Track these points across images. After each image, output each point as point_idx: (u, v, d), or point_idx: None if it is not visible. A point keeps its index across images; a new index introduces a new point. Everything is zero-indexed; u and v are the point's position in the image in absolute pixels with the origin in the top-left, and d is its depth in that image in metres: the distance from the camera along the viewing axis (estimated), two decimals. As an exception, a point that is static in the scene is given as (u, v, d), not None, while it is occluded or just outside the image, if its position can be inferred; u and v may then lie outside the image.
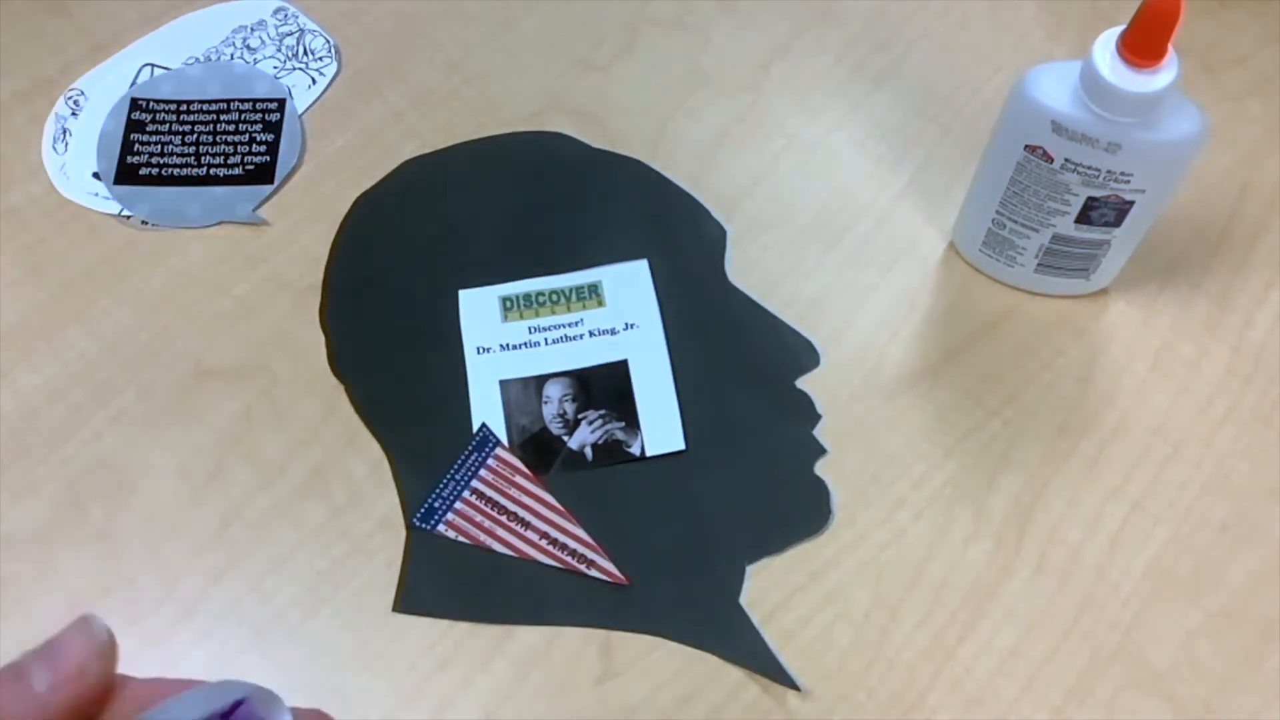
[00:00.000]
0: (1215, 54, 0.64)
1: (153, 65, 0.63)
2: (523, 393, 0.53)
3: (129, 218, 0.58)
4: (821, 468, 0.51)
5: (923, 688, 0.47)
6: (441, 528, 0.50)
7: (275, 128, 0.60)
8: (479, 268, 0.57)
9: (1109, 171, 0.48)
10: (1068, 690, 0.47)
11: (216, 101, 0.61)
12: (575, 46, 0.65)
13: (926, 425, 0.53)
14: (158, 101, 0.61)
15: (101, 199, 0.59)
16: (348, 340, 0.55)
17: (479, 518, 0.50)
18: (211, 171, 0.59)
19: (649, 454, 0.52)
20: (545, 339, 0.54)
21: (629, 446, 0.52)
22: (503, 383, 0.53)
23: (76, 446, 0.52)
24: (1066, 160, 0.48)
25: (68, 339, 0.55)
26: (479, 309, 0.55)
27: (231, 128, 0.60)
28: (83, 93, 0.62)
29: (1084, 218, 0.50)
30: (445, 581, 0.49)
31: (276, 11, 0.65)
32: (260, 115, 0.61)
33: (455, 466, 0.51)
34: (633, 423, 0.52)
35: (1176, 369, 0.54)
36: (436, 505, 0.50)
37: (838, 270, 0.57)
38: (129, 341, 0.55)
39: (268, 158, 0.59)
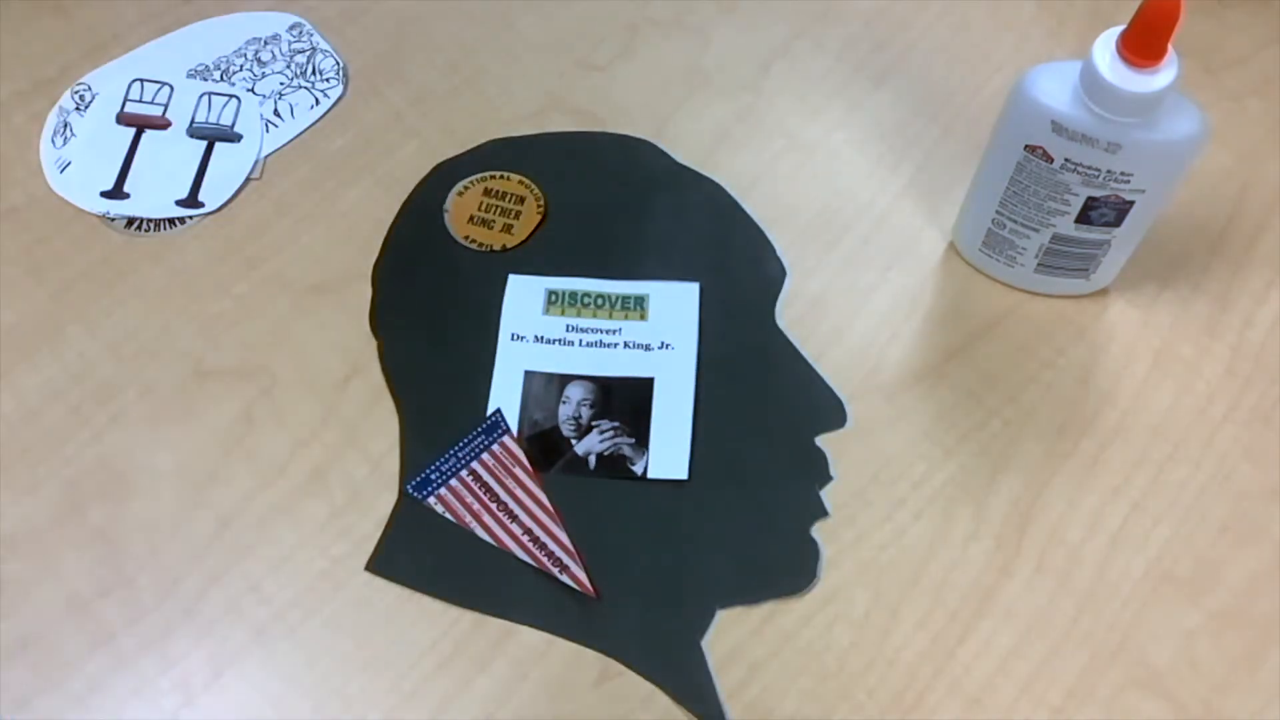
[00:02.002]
0: (1215, 54, 0.64)
1: (142, 80, 0.63)
2: (544, 387, 0.53)
3: (113, 220, 0.58)
4: (818, 530, 0.50)
5: (923, 688, 0.47)
6: (432, 500, 0.50)
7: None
8: (535, 255, 0.57)
9: (1109, 171, 0.48)
10: (1068, 690, 0.47)
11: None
12: (575, 46, 0.65)
13: (926, 425, 0.53)
14: None
15: (90, 198, 0.59)
16: (392, 298, 0.56)
17: (470, 499, 0.50)
18: None
19: (650, 476, 0.51)
20: (580, 340, 0.54)
21: (633, 464, 0.51)
22: (528, 373, 0.53)
23: (76, 446, 0.52)
24: (1066, 160, 0.48)
25: (68, 339, 0.55)
26: (523, 296, 0.56)
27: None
28: (89, 87, 0.62)
29: (1084, 218, 0.50)
30: (421, 554, 0.50)
31: (293, 27, 0.65)
32: None
33: (460, 444, 0.51)
34: (642, 441, 0.52)
35: (1176, 369, 0.54)
36: (433, 477, 0.51)
37: (838, 270, 0.57)
38: (129, 341, 0.55)
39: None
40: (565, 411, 0.52)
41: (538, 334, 0.55)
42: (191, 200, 0.59)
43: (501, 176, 0.59)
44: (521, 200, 0.59)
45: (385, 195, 0.59)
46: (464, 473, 0.51)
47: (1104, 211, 0.50)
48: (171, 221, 0.58)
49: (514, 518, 0.50)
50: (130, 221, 0.58)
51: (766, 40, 0.65)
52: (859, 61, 0.64)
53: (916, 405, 0.53)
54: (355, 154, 0.61)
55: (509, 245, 0.57)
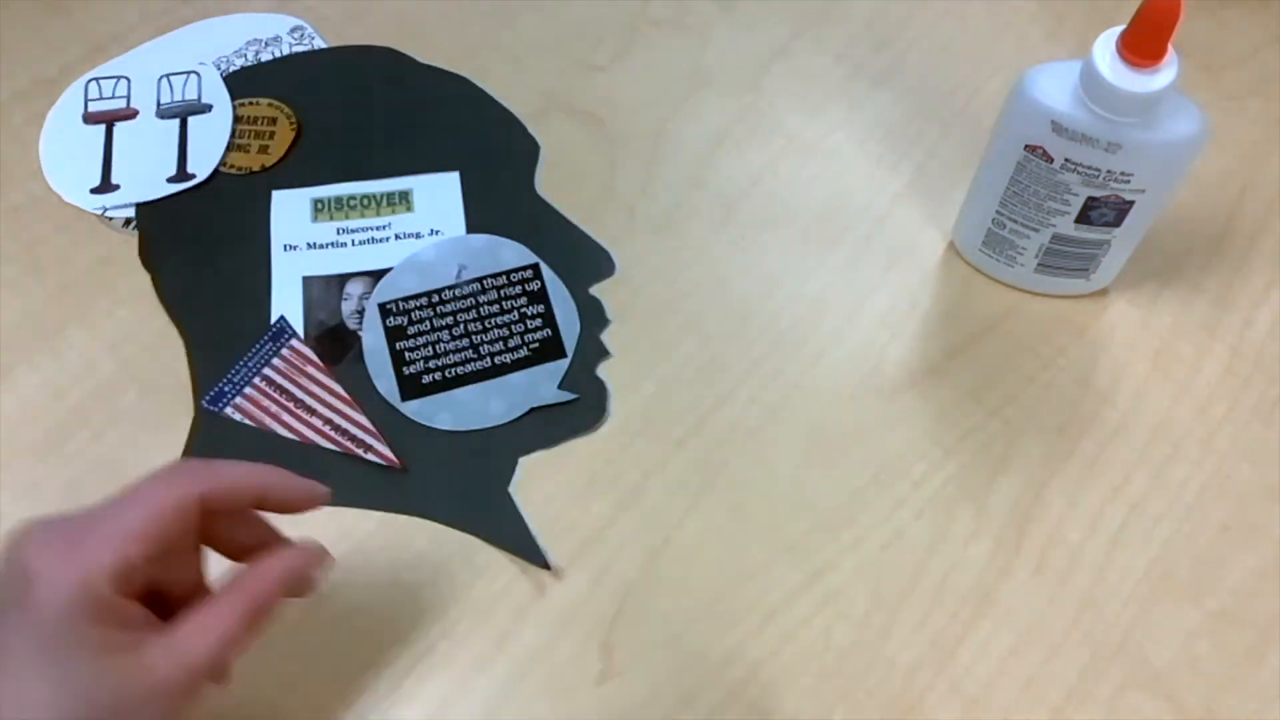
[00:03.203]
0: (1215, 54, 0.64)
1: (97, 80, 0.63)
2: (324, 290, 0.55)
3: (111, 219, 0.58)
4: (604, 370, 0.54)
5: (923, 688, 0.47)
6: (230, 410, 0.52)
7: (541, 297, 0.55)
8: (296, 171, 0.59)
9: (1109, 171, 0.48)
10: (1068, 690, 0.47)
11: (468, 283, 0.55)
12: (575, 46, 0.65)
13: (926, 425, 0.53)
14: (407, 300, 0.55)
15: (81, 196, 0.59)
16: (160, 231, 0.57)
17: (267, 403, 0.52)
18: (496, 360, 0.54)
19: None
20: (353, 240, 0.57)
21: None
22: (306, 279, 0.56)
23: (76, 446, 0.52)
24: (1066, 160, 0.48)
25: (68, 339, 0.55)
26: (290, 209, 0.58)
27: (496, 309, 0.55)
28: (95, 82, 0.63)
29: (1084, 218, 0.50)
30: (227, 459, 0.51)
31: (294, 30, 0.65)
32: (520, 287, 0.55)
33: (248, 354, 0.53)
34: None
35: (1176, 369, 0.54)
36: (226, 390, 0.53)
37: (838, 270, 0.57)
38: (129, 341, 0.55)
39: (548, 331, 0.54)
40: (348, 307, 0.55)
41: (310, 241, 0.57)
42: (181, 174, 0.59)
43: (250, 103, 0.61)
44: (274, 121, 0.61)
45: (385, 195, 0.59)
46: (257, 379, 0.53)
47: (1104, 211, 0.50)
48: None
49: (313, 412, 0.52)
50: (128, 221, 0.58)
51: (766, 40, 0.65)
52: (859, 61, 0.64)
53: (916, 405, 0.53)
54: (355, 154, 0.61)
55: (268, 165, 0.59)
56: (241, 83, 0.62)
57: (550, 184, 0.59)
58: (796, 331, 0.55)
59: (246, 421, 0.52)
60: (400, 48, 0.64)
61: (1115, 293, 0.56)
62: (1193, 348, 0.55)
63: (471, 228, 0.57)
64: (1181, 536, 0.50)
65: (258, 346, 0.54)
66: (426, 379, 0.53)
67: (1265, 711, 0.47)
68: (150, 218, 0.58)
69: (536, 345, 0.54)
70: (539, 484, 0.51)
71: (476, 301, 0.55)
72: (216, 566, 0.42)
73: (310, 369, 0.53)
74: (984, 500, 0.51)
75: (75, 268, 0.57)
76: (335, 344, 0.54)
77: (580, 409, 0.53)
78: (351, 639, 0.48)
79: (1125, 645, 0.48)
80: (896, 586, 0.49)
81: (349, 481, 0.50)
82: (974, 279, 0.57)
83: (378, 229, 0.57)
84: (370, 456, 0.51)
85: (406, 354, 0.54)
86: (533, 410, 0.53)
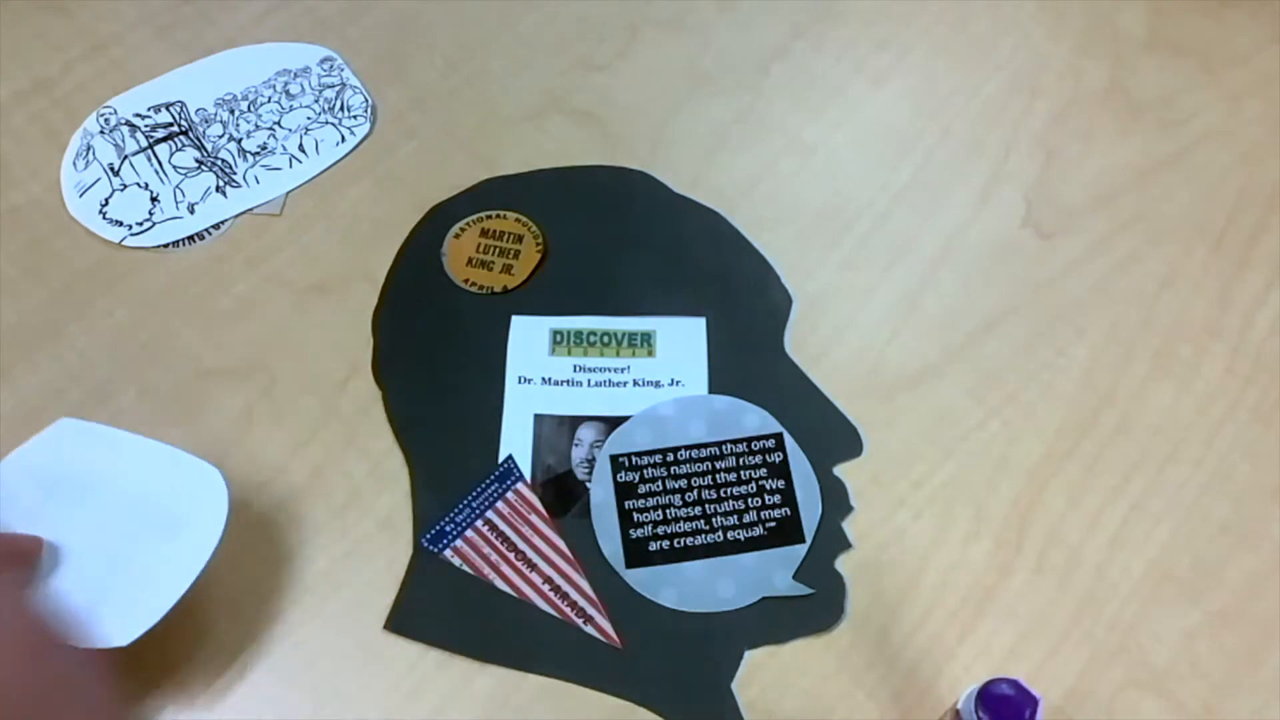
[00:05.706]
0: (1215, 54, 0.64)
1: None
2: (555, 431, 0.52)
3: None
4: (842, 563, 0.49)
5: (923, 687, 0.47)
6: (448, 553, 0.49)
7: (782, 471, 0.51)
8: (537, 294, 0.56)
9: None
10: (1068, 690, 0.47)
11: (706, 445, 0.52)
12: (575, 46, 0.65)
13: (926, 425, 0.53)
14: (640, 455, 0.51)
15: (108, 225, 0.58)
16: (394, 346, 0.55)
17: (487, 549, 0.49)
18: (729, 536, 0.50)
19: None
20: (588, 380, 0.53)
21: None
22: (537, 416, 0.52)
23: (76, 446, 0.52)
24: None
25: (68, 339, 0.55)
26: (528, 338, 0.54)
27: (733, 477, 0.51)
28: (115, 111, 0.61)
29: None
30: (440, 609, 0.48)
31: (323, 61, 0.64)
32: (760, 457, 0.51)
33: (473, 493, 0.50)
34: None
35: (1176, 369, 0.54)
36: (448, 529, 0.50)
37: (838, 270, 0.57)
38: (129, 341, 0.55)
39: (787, 510, 0.50)
40: (578, 454, 0.52)
41: (545, 375, 0.53)
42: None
43: (498, 216, 0.58)
44: (520, 239, 0.57)
45: (384, 194, 0.59)
46: (479, 523, 0.50)
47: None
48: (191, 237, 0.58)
49: (533, 567, 0.49)
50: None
51: (766, 40, 0.65)
52: (859, 61, 0.64)
53: (916, 405, 0.53)
54: (354, 154, 0.61)
55: (510, 286, 0.56)
56: (492, 192, 0.59)
57: (800, 343, 0.55)
58: (796, 331, 0.55)
59: (465, 567, 0.49)
60: (401, 48, 0.64)
61: (1115, 292, 0.56)
62: (1193, 348, 0.55)
63: (714, 382, 0.53)
64: (1181, 536, 0.50)
65: (483, 486, 0.51)
66: (653, 546, 0.49)
67: (1265, 711, 0.47)
68: (387, 329, 0.55)
69: (774, 524, 0.50)
70: (763, 684, 0.47)
71: (713, 467, 0.51)
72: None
73: (534, 518, 0.50)
74: (984, 500, 0.51)
75: (75, 268, 0.57)
76: (561, 494, 0.50)
77: (815, 605, 0.48)
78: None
79: (1125, 645, 0.48)
80: (896, 586, 0.49)
81: (565, 652, 0.47)
82: (973, 278, 0.57)
83: (615, 371, 0.53)
84: (589, 629, 0.48)
85: (635, 515, 0.50)
86: (763, 599, 0.48)
